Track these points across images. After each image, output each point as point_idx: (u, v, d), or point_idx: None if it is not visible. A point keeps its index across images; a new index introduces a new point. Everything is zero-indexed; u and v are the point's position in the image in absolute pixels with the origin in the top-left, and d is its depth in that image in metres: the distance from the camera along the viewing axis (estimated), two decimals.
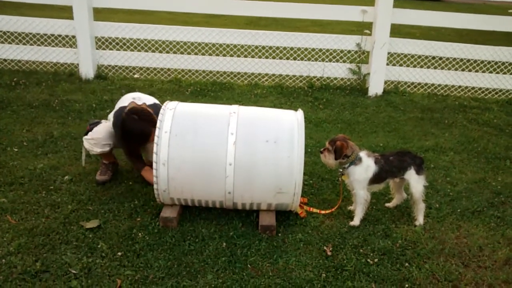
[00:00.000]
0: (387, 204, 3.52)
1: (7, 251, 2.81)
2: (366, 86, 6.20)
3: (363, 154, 3.23)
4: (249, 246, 2.96)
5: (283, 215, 3.28)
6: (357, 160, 3.19)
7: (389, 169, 3.22)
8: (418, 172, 3.22)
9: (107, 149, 3.59)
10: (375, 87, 6.13)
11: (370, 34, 6.07)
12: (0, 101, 5.19)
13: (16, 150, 4.11)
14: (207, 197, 3.14)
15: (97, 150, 3.56)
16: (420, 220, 3.29)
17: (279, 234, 3.10)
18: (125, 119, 3.36)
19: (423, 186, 3.24)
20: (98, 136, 3.55)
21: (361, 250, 2.97)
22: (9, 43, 6.48)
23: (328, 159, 3.22)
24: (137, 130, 3.35)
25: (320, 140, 4.61)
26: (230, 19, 10.32)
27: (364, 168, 3.19)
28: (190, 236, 3.03)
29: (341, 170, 3.27)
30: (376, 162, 3.21)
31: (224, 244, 2.97)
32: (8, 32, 6.38)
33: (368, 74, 6.16)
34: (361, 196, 3.21)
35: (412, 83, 6.40)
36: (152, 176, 3.07)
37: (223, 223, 3.19)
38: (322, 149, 3.27)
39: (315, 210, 3.36)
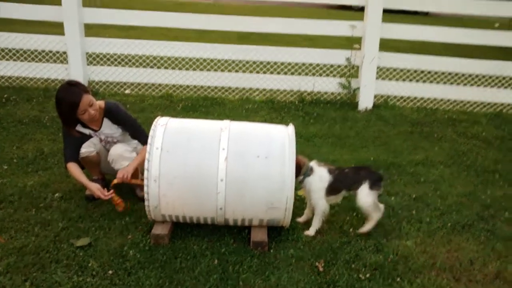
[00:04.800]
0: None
1: None
2: (356, 100, 6.25)
3: (313, 163, 3.32)
4: (241, 262, 2.96)
5: (275, 230, 3.28)
6: (309, 171, 3.27)
7: (343, 179, 3.29)
8: (372, 187, 3.25)
9: (92, 149, 3.56)
10: (365, 101, 6.18)
11: (359, 49, 6.14)
12: None
13: (5, 167, 4.08)
14: (198, 213, 3.13)
15: (82, 150, 3.54)
16: (366, 227, 3.30)
17: (271, 250, 3.10)
18: (58, 89, 3.44)
19: (374, 202, 3.26)
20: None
21: (353, 266, 2.97)
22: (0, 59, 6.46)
23: None
24: (66, 97, 3.36)
25: (310, 155, 4.62)
26: (221, 34, 10.31)
27: (318, 178, 3.27)
28: (182, 253, 3.02)
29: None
30: (330, 172, 3.28)
31: (216, 261, 2.96)
32: None
33: (358, 88, 6.21)
34: (320, 206, 3.27)
35: (402, 97, 6.46)
36: (91, 188, 3.40)
37: (215, 240, 3.18)
38: None
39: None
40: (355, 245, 3.18)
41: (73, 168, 3.50)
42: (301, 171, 3.26)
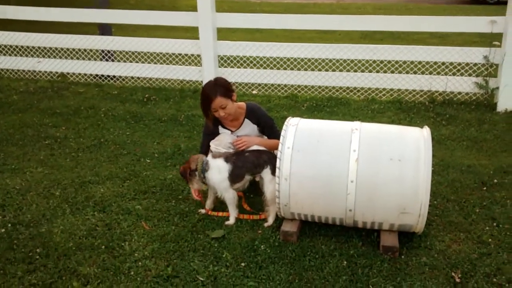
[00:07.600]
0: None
1: (142, 255, 3.07)
2: (495, 101, 5.77)
3: (208, 157, 3.45)
4: (370, 266, 2.91)
5: (406, 236, 3.17)
6: (205, 166, 3.38)
7: (243, 165, 3.39)
8: (274, 172, 3.23)
9: (231, 150, 3.69)
10: (505, 102, 5.67)
11: (499, 46, 5.66)
12: (134, 115, 5.70)
13: (148, 161, 4.48)
14: (327, 213, 3.14)
15: (221, 150, 3.68)
16: (270, 221, 3.37)
17: (402, 256, 3.00)
18: (206, 82, 3.69)
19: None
20: (221, 138, 3.73)
21: (494, 280, 2.75)
22: (142, 62, 7.12)
23: (192, 184, 3.48)
24: (204, 92, 3.56)
25: (443, 158, 4.38)
26: (344, 33, 10.27)
27: (216, 170, 3.37)
28: (310, 252, 3.06)
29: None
30: (227, 160, 3.38)
31: (345, 262, 2.95)
32: (142, 52, 7.03)
33: (497, 88, 5.73)
34: (229, 196, 3.40)
35: None
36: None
37: (343, 241, 3.17)
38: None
39: (245, 217, 3.47)
40: (496, 258, 2.95)
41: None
42: (196, 169, 3.38)
